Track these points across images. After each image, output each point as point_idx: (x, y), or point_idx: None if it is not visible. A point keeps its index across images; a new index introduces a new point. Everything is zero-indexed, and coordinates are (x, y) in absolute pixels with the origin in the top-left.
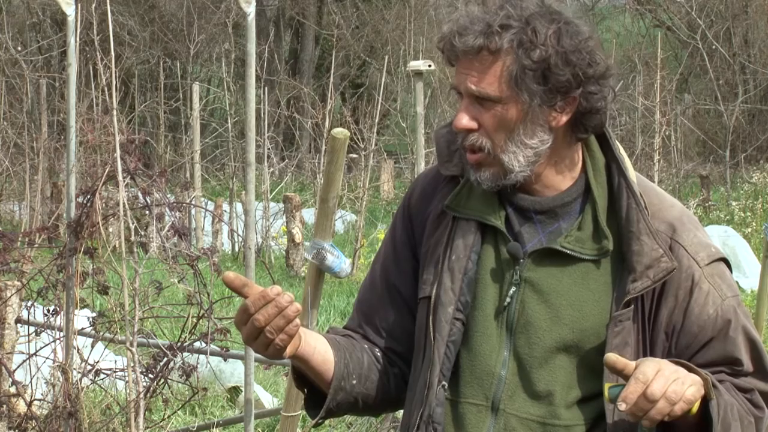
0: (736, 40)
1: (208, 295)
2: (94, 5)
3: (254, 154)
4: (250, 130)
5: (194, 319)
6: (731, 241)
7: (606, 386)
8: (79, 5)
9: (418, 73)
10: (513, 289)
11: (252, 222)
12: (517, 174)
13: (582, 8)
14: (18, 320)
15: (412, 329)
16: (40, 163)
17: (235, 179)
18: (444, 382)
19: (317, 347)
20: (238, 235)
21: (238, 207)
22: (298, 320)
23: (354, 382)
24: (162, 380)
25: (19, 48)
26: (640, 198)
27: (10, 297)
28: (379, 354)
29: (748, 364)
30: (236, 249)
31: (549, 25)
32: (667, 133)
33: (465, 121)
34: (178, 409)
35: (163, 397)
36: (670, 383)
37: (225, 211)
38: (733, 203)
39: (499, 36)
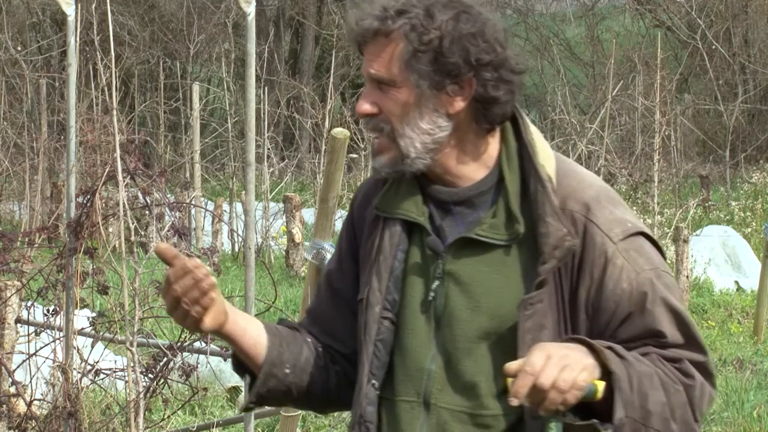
0: (735, 40)
1: None
2: (94, 5)
3: (254, 154)
4: (250, 130)
5: None
6: (731, 241)
7: (509, 380)
8: (79, 5)
9: None
10: (436, 283)
11: (252, 222)
12: (414, 160)
13: (582, 8)
14: (18, 320)
15: (354, 331)
16: (40, 163)
17: (235, 179)
18: (374, 381)
19: (248, 330)
20: (238, 235)
21: (238, 207)
22: (213, 294)
23: (287, 371)
24: (162, 380)
25: (19, 48)
26: (547, 181)
27: (10, 297)
28: (321, 350)
29: (673, 336)
30: (236, 249)
31: (446, 10)
32: (667, 133)
33: (365, 105)
34: (178, 409)
35: (163, 397)
36: (560, 371)
37: (225, 211)
38: (733, 203)
39: (393, 20)
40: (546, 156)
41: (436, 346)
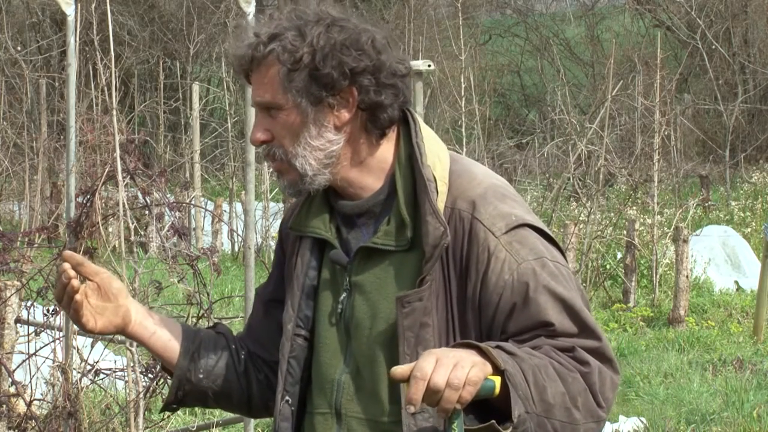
0: (735, 40)
1: (208, 295)
2: (93, 5)
3: (254, 154)
4: (249, 130)
5: (194, 319)
6: (731, 241)
7: (403, 386)
8: (79, 5)
9: (418, 73)
10: (344, 295)
11: (252, 222)
12: (313, 177)
13: (582, 8)
14: (18, 320)
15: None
16: (40, 163)
17: (234, 179)
18: (288, 398)
19: (157, 333)
20: (238, 235)
21: (238, 207)
22: (78, 296)
23: (201, 376)
24: (162, 380)
25: (19, 48)
26: (431, 181)
27: (9, 297)
28: (243, 357)
29: (563, 325)
30: (236, 249)
31: (317, 26)
32: (666, 133)
33: (258, 134)
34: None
35: (163, 397)
36: (451, 370)
37: (225, 211)
38: (733, 203)
39: (265, 45)
40: (436, 157)
41: (347, 357)
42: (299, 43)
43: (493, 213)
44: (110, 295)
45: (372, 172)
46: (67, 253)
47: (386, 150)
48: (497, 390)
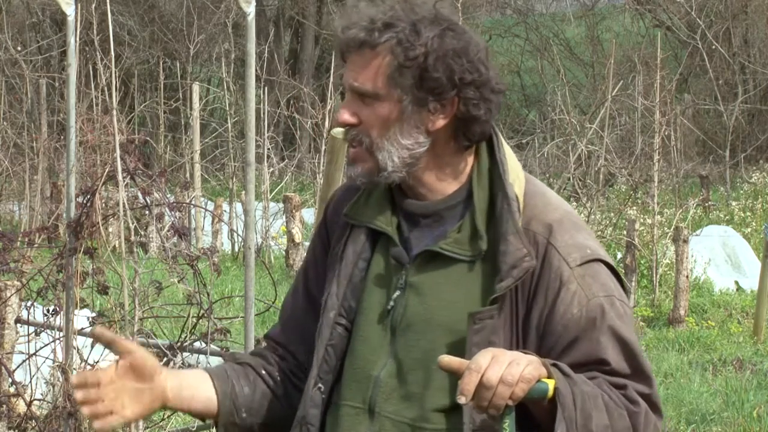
0: (735, 40)
1: (208, 295)
2: (94, 5)
3: (254, 154)
4: (250, 130)
5: (194, 319)
6: (731, 241)
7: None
8: (79, 5)
9: None
10: (397, 293)
11: (252, 222)
12: (390, 173)
13: (582, 8)
14: (18, 320)
15: None
16: (40, 163)
17: (234, 179)
18: (320, 385)
19: (195, 398)
20: (238, 235)
21: (238, 207)
22: (97, 407)
23: (244, 415)
24: None
25: (19, 48)
26: (514, 200)
27: (9, 297)
28: (279, 377)
29: (618, 365)
30: (236, 249)
31: (432, 27)
32: (666, 133)
33: (346, 116)
34: None
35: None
36: (505, 367)
37: (225, 211)
38: (733, 203)
39: (380, 33)
40: (516, 175)
41: (389, 355)
42: (414, 39)
43: (569, 242)
44: (145, 374)
45: (446, 177)
46: (97, 331)
47: (465, 160)
48: (550, 393)
